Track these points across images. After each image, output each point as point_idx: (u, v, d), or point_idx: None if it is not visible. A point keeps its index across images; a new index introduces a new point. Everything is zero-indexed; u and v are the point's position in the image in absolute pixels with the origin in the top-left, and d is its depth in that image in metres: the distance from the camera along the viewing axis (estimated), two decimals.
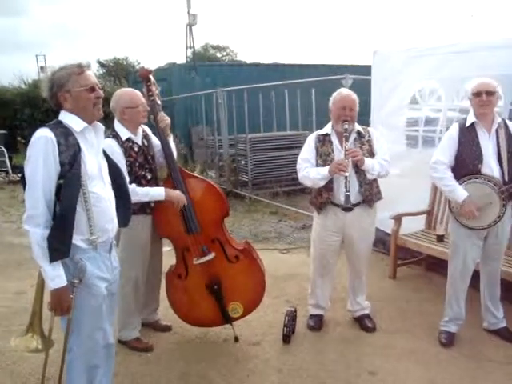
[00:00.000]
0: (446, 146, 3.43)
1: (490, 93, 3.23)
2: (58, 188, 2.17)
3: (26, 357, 3.38)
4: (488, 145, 3.30)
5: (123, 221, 2.58)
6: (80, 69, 2.27)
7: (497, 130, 3.31)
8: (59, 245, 2.17)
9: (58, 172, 2.17)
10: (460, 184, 3.34)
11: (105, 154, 2.48)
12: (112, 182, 2.48)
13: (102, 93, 2.34)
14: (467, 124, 3.35)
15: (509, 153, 3.28)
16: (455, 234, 3.50)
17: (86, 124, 2.29)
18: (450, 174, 3.39)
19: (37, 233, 2.14)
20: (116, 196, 2.48)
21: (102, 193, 2.34)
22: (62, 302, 2.22)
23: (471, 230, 3.37)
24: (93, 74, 2.36)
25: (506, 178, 3.27)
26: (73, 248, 2.22)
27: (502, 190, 3.22)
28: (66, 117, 2.28)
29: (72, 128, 2.26)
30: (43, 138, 2.17)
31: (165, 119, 3.40)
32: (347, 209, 3.32)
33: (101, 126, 2.42)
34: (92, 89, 2.29)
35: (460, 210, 3.35)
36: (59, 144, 2.18)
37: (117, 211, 2.47)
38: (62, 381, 2.41)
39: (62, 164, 2.17)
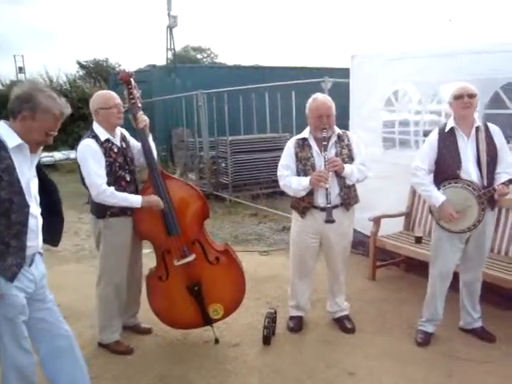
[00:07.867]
0: (426, 152, 3.47)
1: (472, 95, 3.25)
2: None
3: None
4: (467, 149, 3.31)
5: (52, 238, 2.57)
6: (60, 116, 2.30)
7: (477, 134, 3.32)
8: None
9: None
10: (440, 188, 3.37)
11: (39, 169, 2.43)
12: (47, 197, 2.45)
13: (51, 140, 2.34)
14: (446, 129, 3.38)
15: (488, 157, 3.29)
16: (437, 237, 3.53)
17: (21, 141, 2.23)
18: (428, 180, 3.43)
19: None
20: (49, 212, 2.46)
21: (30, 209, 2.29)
22: None
23: (451, 233, 3.40)
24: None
25: (485, 183, 3.28)
26: None
27: (479, 194, 3.24)
28: (2, 128, 2.24)
29: (5, 142, 2.20)
30: None
31: (144, 119, 3.42)
32: (329, 221, 3.31)
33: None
34: (47, 134, 2.29)
35: (439, 213, 3.40)
36: None
37: (48, 228, 2.44)
38: None
39: None
